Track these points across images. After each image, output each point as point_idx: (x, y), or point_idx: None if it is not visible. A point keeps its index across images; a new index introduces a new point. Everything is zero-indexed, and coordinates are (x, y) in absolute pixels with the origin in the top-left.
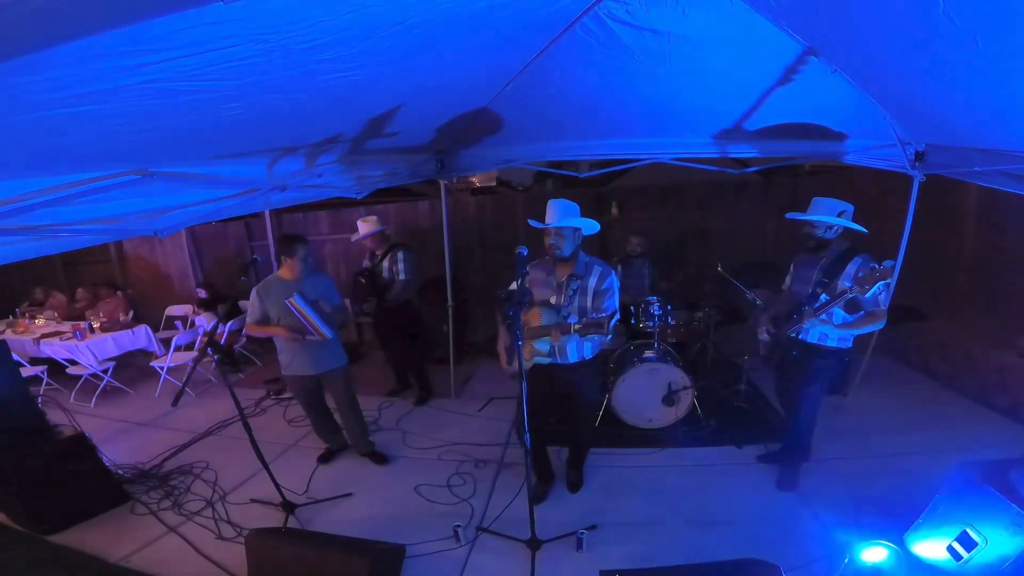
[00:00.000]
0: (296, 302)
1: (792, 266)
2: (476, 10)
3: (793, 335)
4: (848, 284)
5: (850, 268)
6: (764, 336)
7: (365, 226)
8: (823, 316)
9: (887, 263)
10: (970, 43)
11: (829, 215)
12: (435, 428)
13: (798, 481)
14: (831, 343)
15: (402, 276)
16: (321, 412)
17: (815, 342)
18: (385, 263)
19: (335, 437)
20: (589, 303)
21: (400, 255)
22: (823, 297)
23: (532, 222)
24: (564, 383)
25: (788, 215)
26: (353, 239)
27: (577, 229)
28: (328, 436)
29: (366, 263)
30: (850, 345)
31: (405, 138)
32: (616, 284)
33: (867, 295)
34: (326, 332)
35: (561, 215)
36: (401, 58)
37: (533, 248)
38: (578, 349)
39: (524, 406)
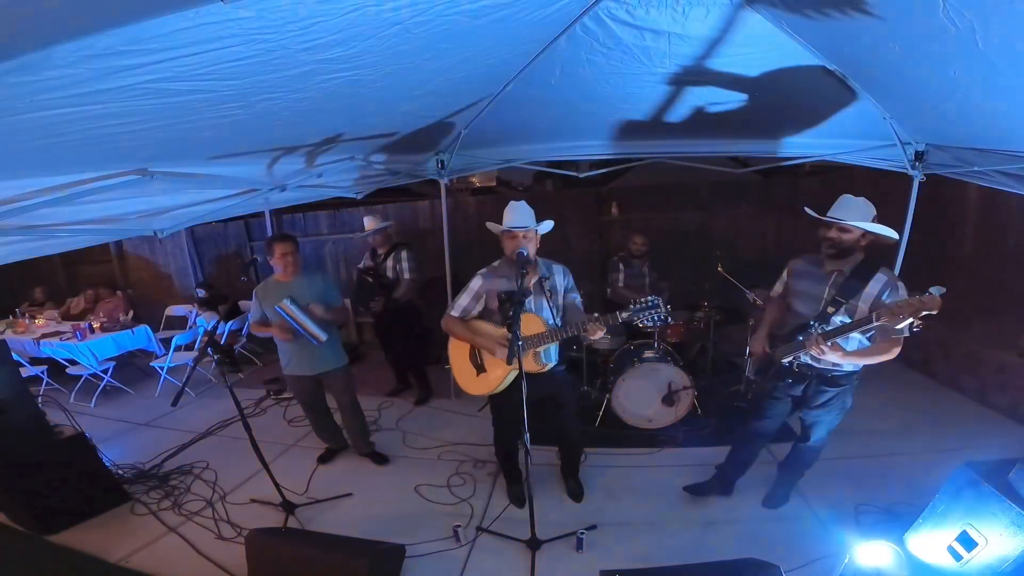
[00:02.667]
0: (287, 306)
1: (786, 274)
2: (476, 10)
3: (787, 363)
4: (867, 305)
5: (873, 287)
6: (759, 355)
7: (372, 222)
8: (836, 342)
9: (934, 290)
10: (970, 44)
11: (864, 220)
12: (435, 428)
13: (788, 498)
14: (848, 367)
15: (407, 275)
16: (320, 412)
17: (829, 367)
18: (389, 262)
19: (335, 437)
20: (561, 300)
21: (404, 254)
22: (835, 320)
23: (491, 225)
24: (543, 387)
25: (808, 212)
26: (360, 235)
27: (537, 231)
28: (328, 436)
29: (367, 261)
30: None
31: (404, 138)
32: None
33: (898, 326)
34: (319, 334)
35: (527, 217)
36: (401, 58)
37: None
38: (557, 352)
39: (524, 406)
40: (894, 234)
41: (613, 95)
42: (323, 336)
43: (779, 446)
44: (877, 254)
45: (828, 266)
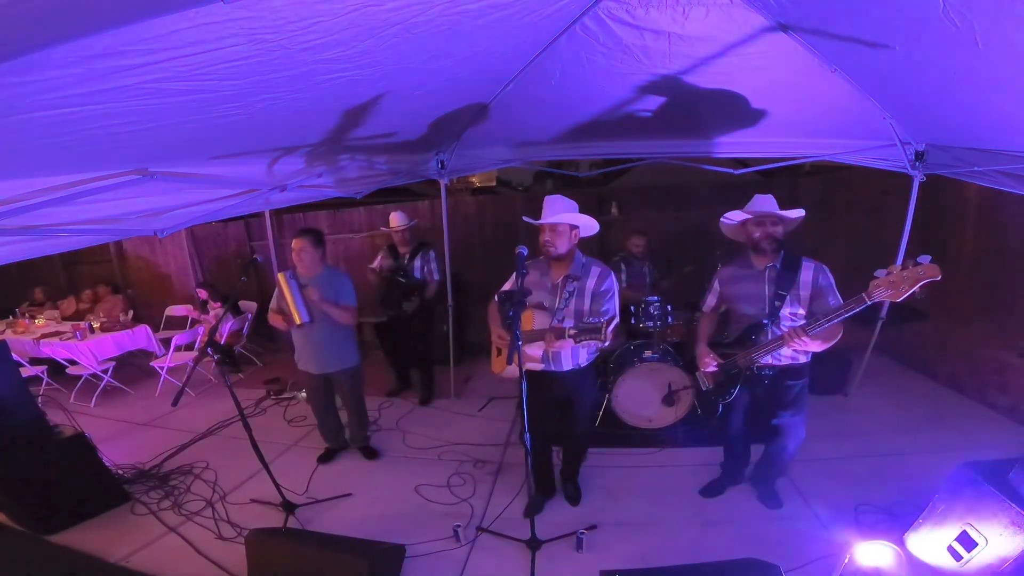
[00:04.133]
0: (284, 277)
1: (718, 284)
2: (476, 10)
3: (756, 368)
4: (808, 292)
5: (806, 274)
6: (712, 368)
7: (399, 218)
8: (816, 331)
9: (923, 259)
10: (970, 44)
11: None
12: (435, 428)
13: (779, 496)
14: (803, 358)
15: (436, 276)
16: (325, 411)
17: (790, 363)
18: (417, 262)
19: (336, 437)
20: (587, 306)
21: (432, 254)
22: (783, 314)
23: (527, 219)
24: (560, 388)
25: (730, 217)
26: (385, 229)
27: (574, 227)
28: (329, 435)
29: (386, 261)
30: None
31: (404, 138)
32: (616, 286)
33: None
34: (301, 315)
35: (555, 211)
36: (401, 58)
37: (533, 247)
38: (573, 356)
39: (524, 406)
40: (803, 212)
41: (614, 95)
42: (304, 318)
43: None
44: (794, 246)
45: (760, 264)
